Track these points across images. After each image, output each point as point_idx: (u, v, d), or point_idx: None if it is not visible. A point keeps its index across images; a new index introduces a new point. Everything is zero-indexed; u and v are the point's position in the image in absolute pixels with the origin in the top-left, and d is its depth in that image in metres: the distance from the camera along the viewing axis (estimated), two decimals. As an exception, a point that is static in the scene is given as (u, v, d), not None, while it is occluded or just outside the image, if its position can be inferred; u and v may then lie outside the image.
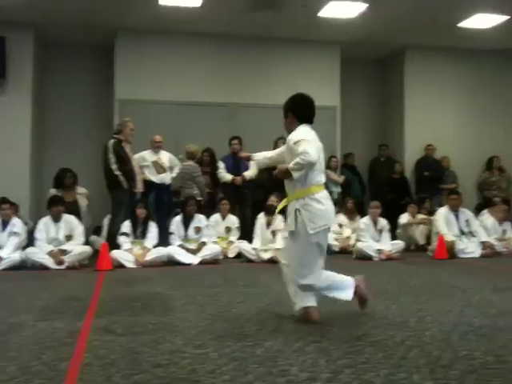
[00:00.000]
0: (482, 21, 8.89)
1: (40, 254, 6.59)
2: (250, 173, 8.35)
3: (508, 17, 8.69)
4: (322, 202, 3.54)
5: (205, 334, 3.08)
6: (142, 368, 2.45)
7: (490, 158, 10.15)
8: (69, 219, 6.92)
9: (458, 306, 3.89)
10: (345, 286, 3.61)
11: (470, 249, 7.43)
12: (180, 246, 7.13)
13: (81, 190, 8.18)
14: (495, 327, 3.20)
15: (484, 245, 7.51)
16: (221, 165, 8.43)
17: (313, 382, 2.25)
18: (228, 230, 7.87)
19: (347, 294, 3.59)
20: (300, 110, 3.82)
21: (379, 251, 7.25)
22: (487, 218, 8.18)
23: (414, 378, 2.28)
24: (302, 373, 2.36)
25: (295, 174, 3.41)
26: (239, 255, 7.45)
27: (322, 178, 3.64)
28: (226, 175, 8.35)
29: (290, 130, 3.78)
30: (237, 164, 8.38)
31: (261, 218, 7.43)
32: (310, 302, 3.48)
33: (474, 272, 6.04)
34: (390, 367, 2.43)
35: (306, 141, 3.51)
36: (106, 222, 8.00)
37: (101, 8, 8.14)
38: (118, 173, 7.14)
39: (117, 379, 2.31)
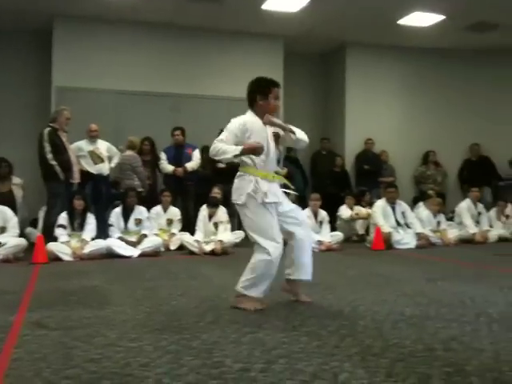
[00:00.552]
0: (420, 19, 9.18)
1: (-29, 246, 6.34)
2: (192, 164, 8.31)
3: (444, 17, 8.99)
4: None
5: (141, 328, 3.05)
6: (73, 363, 2.40)
7: (426, 153, 10.50)
8: (2, 210, 6.69)
9: (392, 295, 4.01)
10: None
11: (405, 240, 7.67)
12: (120, 238, 7.01)
13: (16, 180, 7.89)
14: (426, 316, 3.32)
15: (419, 236, 7.76)
16: (163, 156, 8.35)
17: (246, 372, 2.27)
18: (170, 222, 7.81)
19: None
20: (260, 89, 3.85)
21: (319, 242, 7.38)
22: (422, 210, 8.47)
23: (345, 366, 2.34)
24: (237, 364, 2.37)
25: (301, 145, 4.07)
26: (181, 247, 7.40)
27: None
28: (167, 166, 8.28)
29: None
30: (179, 155, 8.34)
31: (203, 210, 7.41)
32: None
33: (408, 263, 6.24)
34: (322, 356, 2.48)
35: None
36: (41, 214, 7.78)
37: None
38: (53, 162, 6.91)
39: (46, 374, 2.25)
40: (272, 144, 3.82)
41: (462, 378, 2.20)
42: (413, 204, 9.11)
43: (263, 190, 3.61)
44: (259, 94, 3.78)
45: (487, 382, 2.16)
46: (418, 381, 2.17)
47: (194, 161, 8.37)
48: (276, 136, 3.89)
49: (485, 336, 2.84)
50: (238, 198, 3.67)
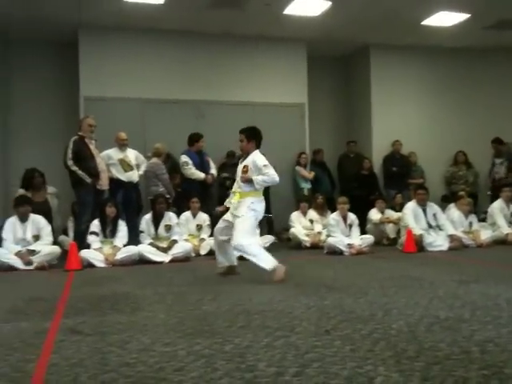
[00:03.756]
0: (444, 19, 9.07)
1: (7, 254, 6.48)
2: (214, 171, 8.46)
3: (468, 15, 8.88)
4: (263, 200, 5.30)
5: (173, 332, 3.08)
6: (108, 368, 2.44)
7: (456, 153, 10.35)
8: (36, 219, 6.81)
9: (425, 298, 3.96)
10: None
11: (437, 242, 7.56)
12: (150, 244, 7.08)
13: (51, 189, 8.03)
14: (460, 319, 3.27)
15: (451, 238, 7.65)
16: (188, 160, 8.32)
17: (280, 376, 2.26)
18: (199, 227, 7.86)
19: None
20: (258, 139, 5.34)
21: (349, 246, 7.33)
22: (454, 211, 8.34)
23: (379, 370, 2.32)
24: (270, 368, 2.37)
25: (258, 187, 5.18)
26: (211, 252, 7.42)
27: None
28: (197, 172, 8.27)
29: (246, 152, 5.33)
30: (202, 162, 8.39)
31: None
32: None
33: (441, 265, 6.16)
34: (356, 360, 2.47)
35: (270, 166, 5.18)
36: (69, 223, 7.93)
37: (63, 4, 8.01)
38: (74, 168, 6.99)
39: (83, 379, 2.29)
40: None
41: (500, 381, 2.16)
42: (441, 203, 8.97)
43: None
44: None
45: (526, 385, 2.12)
46: (454, 384, 2.14)
47: (214, 167, 8.49)
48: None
49: (522, 338, 2.78)
50: None
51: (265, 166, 5.14)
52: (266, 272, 4.99)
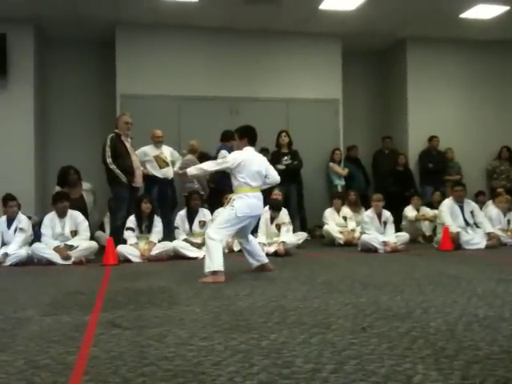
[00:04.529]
0: (483, 11, 8.89)
1: (46, 249, 6.64)
2: None
3: (508, 7, 8.67)
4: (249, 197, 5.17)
5: (210, 327, 3.10)
6: (147, 361, 2.47)
7: (501, 148, 10.15)
8: (74, 214, 6.95)
9: (463, 297, 3.89)
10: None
11: (475, 240, 7.42)
12: (185, 240, 7.15)
13: (86, 185, 8.18)
14: (500, 318, 3.20)
15: (489, 236, 7.50)
16: (227, 154, 8.28)
17: (318, 373, 2.26)
18: (233, 223, 7.87)
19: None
20: (250, 137, 5.44)
21: (384, 243, 7.26)
22: (492, 208, 8.17)
23: (418, 368, 2.29)
24: (307, 364, 2.37)
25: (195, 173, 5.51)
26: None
27: (252, 183, 5.19)
28: None
29: (239, 148, 5.41)
30: None
31: (265, 213, 7.43)
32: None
33: (478, 263, 6.04)
34: (394, 358, 2.44)
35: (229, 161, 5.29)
36: (106, 219, 8.05)
37: (99, 2, 8.14)
38: (112, 166, 7.08)
39: (123, 372, 2.33)
40: None
41: (542, 382, 2.11)
42: (475, 198, 8.78)
43: None
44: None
45: None
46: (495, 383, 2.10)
47: None
48: None
49: None
50: None
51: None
52: (202, 271, 5.02)
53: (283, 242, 7.06)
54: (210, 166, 5.36)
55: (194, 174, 5.50)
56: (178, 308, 3.72)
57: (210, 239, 4.99)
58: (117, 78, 9.16)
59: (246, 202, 5.13)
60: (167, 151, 8.18)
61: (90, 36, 9.53)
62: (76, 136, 9.53)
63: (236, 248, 7.59)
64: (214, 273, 4.94)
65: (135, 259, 6.69)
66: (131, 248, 6.79)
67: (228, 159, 5.29)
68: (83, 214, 7.17)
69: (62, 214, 6.89)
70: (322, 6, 8.53)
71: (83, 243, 6.80)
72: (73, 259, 6.61)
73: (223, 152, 8.29)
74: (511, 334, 2.83)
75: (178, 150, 8.52)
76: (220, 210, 7.84)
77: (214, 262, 4.94)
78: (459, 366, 2.32)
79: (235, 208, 5.09)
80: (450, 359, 2.41)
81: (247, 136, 5.39)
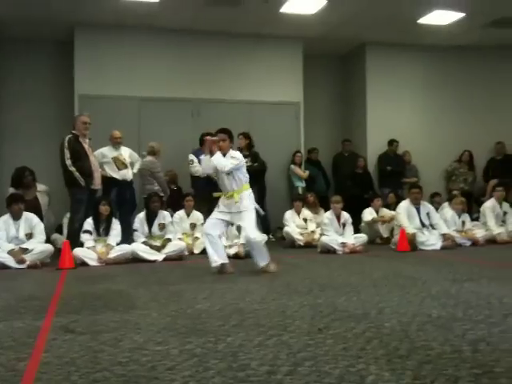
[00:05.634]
0: (440, 17, 9.11)
1: (0, 252, 6.45)
2: None
3: (464, 14, 8.91)
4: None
5: (166, 331, 3.07)
6: (101, 366, 2.43)
7: (463, 152, 10.39)
8: (29, 217, 6.78)
9: (418, 297, 3.97)
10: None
11: (430, 241, 7.58)
12: (144, 242, 7.06)
13: (41, 187, 8.00)
14: (453, 318, 3.28)
15: (444, 237, 7.67)
16: (195, 159, 8.28)
17: (273, 375, 2.26)
18: (193, 226, 7.85)
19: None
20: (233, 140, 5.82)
21: (343, 245, 7.34)
22: (447, 210, 8.36)
23: (371, 368, 2.32)
24: (262, 366, 2.37)
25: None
26: (205, 251, 7.40)
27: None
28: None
29: (225, 150, 5.55)
30: None
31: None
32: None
33: (434, 264, 6.17)
34: (349, 359, 2.47)
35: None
36: (65, 220, 7.89)
37: (58, 2, 7.98)
38: (72, 169, 6.94)
39: (75, 378, 2.29)
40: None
41: (490, 380, 2.16)
42: (430, 199, 8.96)
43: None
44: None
45: (517, 384, 2.12)
46: (446, 383, 2.14)
47: None
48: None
49: (514, 337, 2.79)
50: None
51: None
52: (258, 267, 5.47)
53: (243, 244, 7.05)
54: (228, 165, 5.48)
55: (214, 164, 5.49)
56: (135, 312, 3.67)
57: (261, 242, 5.53)
58: (75, 78, 8.99)
59: (252, 197, 5.61)
60: (126, 153, 8.06)
61: (47, 36, 9.32)
62: (33, 137, 9.31)
63: (196, 251, 7.55)
64: (267, 266, 5.47)
65: (92, 262, 6.57)
66: (88, 251, 6.67)
67: (239, 158, 5.57)
68: (38, 215, 7.00)
69: (16, 217, 6.71)
70: (283, 10, 8.58)
71: (38, 246, 6.64)
72: (28, 263, 6.43)
73: (190, 156, 8.29)
74: (463, 333, 2.89)
75: (138, 151, 8.42)
76: (181, 213, 7.82)
77: (265, 256, 5.51)
78: (411, 365, 2.36)
79: (254, 204, 5.57)
80: (402, 359, 2.45)
81: (232, 138, 5.82)
